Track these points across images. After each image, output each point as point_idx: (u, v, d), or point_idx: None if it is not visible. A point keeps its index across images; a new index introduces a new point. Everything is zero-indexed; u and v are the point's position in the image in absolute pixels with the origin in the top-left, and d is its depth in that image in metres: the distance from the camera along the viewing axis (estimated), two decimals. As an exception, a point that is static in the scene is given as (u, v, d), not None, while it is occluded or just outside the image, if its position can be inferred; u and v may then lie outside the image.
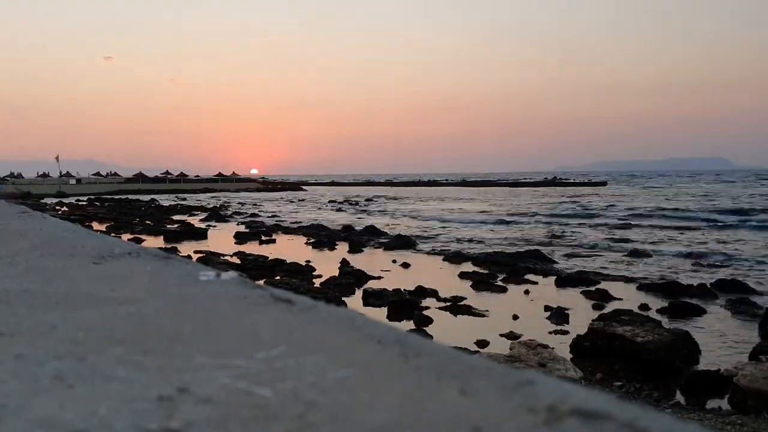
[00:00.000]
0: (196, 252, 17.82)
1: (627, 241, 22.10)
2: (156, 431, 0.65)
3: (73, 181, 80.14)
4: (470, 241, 22.49)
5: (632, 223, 29.83)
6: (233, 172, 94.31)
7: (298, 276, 14.12)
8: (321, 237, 22.47)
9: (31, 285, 1.57)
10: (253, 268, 15.07)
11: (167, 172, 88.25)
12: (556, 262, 16.92)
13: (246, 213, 37.75)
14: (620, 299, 12.12)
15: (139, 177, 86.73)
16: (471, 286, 13.54)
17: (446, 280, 14.22)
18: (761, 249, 19.55)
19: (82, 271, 1.84)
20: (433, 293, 12.33)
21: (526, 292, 13.03)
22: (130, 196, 59.79)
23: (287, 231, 26.01)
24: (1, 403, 0.73)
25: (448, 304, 11.69)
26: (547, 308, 11.17)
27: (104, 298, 1.38)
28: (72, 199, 54.13)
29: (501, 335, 9.41)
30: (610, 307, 11.16)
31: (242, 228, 26.54)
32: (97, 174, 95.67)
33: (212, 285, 1.49)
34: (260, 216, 35.14)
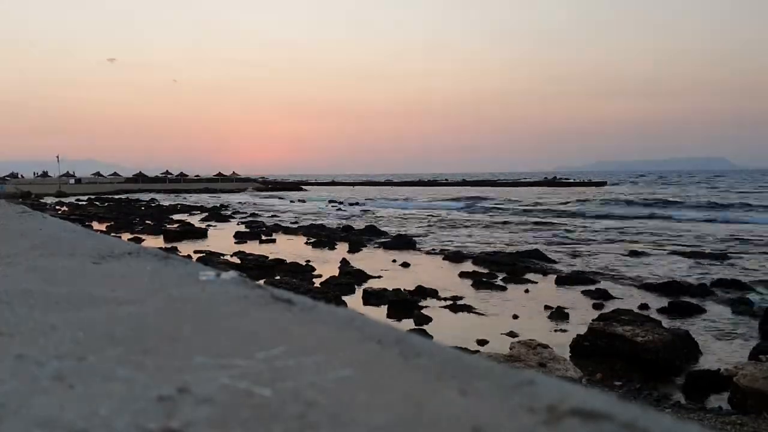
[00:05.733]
0: (196, 252, 17.81)
1: (627, 241, 22.10)
2: (156, 431, 0.65)
3: (73, 181, 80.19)
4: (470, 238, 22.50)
5: (632, 222, 29.84)
6: (233, 172, 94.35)
7: (298, 276, 14.12)
8: (321, 237, 22.46)
9: (31, 285, 1.57)
10: (253, 268, 15.07)
11: (167, 172, 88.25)
12: (556, 262, 16.93)
13: (246, 213, 37.74)
14: (620, 299, 12.13)
15: (139, 177, 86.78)
16: (471, 285, 13.55)
17: (446, 279, 14.22)
18: (762, 247, 19.54)
19: (82, 271, 1.84)
20: (433, 293, 12.34)
21: (526, 291, 13.04)
22: (130, 196, 59.80)
23: (287, 231, 26.00)
24: (1, 403, 0.73)
25: (448, 303, 11.69)
26: (547, 308, 11.17)
27: (104, 298, 1.38)
28: (72, 199, 54.12)
29: (501, 334, 9.42)
30: (610, 307, 11.16)
31: (242, 228, 26.54)
32: (97, 174, 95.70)
33: (212, 285, 1.49)
34: (260, 216, 35.13)
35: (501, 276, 14.41)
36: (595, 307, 11.42)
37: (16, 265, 1.95)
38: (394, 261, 17.10)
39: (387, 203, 49.87)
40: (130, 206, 43.84)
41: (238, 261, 16.24)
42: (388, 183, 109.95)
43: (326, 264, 16.12)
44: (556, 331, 9.81)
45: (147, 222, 29.61)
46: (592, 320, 9.58)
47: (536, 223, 29.94)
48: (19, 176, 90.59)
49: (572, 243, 21.66)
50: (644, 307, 11.28)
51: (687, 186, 79.89)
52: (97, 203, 48.45)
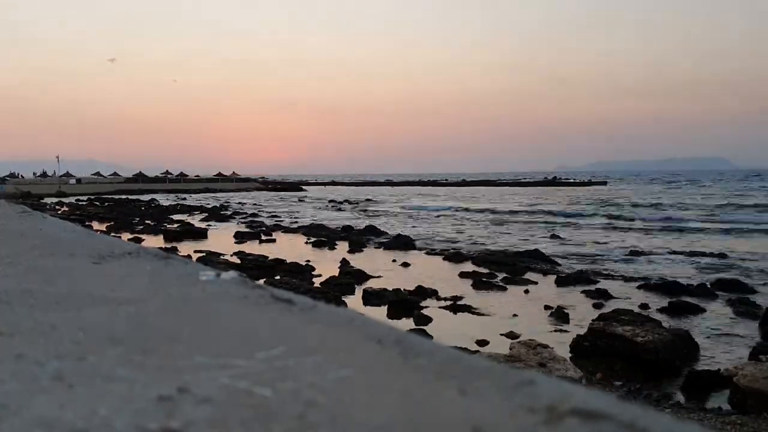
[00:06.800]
0: (196, 252, 17.81)
1: (627, 240, 22.11)
2: (156, 431, 0.65)
3: (73, 181, 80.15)
4: (469, 240, 22.50)
5: (632, 222, 29.85)
6: (233, 172, 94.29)
7: (298, 276, 14.12)
8: (321, 237, 22.47)
9: (31, 285, 1.57)
10: (253, 267, 15.07)
11: (167, 172, 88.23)
12: (556, 262, 16.92)
13: (246, 213, 37.74)
14: (620, 299, 12.13)
15: (139, 177, 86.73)
16: (471, 285, 13.55)
17: (446, 279, 14.22)
18: (761, 249, 19.54)
19: (82, 271, 1.84)
20: (433, 293, 12.34)
21: (526, 291, 13.03)
22: (130, 196, 59.78)
23: (287, 231, 26.01)
24: (1, 403, 0.73)
25: (448, 303, 11.69)
26: (547, 308, 11.17)
27: (104, 298, 1.38)
28: (72, 199, 54.12)
29: (501, 335, 9.42)
30: (610, 307, 11.16)
31: (242, 228, 26.55)
32: (97, 174, 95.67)
33: (212, 285, 1.49)
34: (260, 216, 35.13)
35: (501, 276, 14.41)
36: (595, 307, 11.42)
37: (16, 265, 1.95)
38: (394, 261, 17.10)
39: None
40: (130, 206, 43.83)
41: (238, 261, 16.25)
42: (388, 183, 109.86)
43: (326, 264, 16.12)
44: (556, 331, 9.80)
45: (147, 222, 29.63)
46: (592, 320, 9.57)
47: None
48: (19, 176, 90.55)
49: (572, 243, 21.68)
50: (644, 307, 11.28)
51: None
52: (97, 203, 48.45)
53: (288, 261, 16.07)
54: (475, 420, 0.65)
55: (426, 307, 11.36)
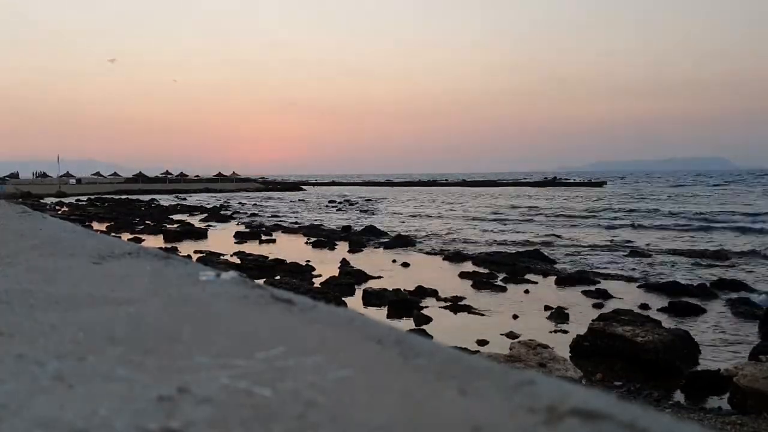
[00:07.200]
0: (196, 252, 17.80)
1: (627, 240, 22.10)
2: (156, 431, 0.65)
3: (73, 181, 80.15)
4: (466, 241, 22.51)
5: (632, 222, 29.84)
6: (233, 172, 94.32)
7: (298, 276, 14.11)
8: (321, 237, 22.47)
9: (31, 285, 1.57)
10: (253, 268, 15.06)
11: (167, 172, 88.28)
12: (556, 262, 16.92)
13: (246, 213, 37.75)
14: (620, 299, 12.12)
15: (139, 177, 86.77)
16: (471, 285, 13.54)
17: (446, 279, 14.22)
18: (761, 248, 19.53)
19: (82, 271, 1.84)
20: (433, 293, 12.33)
21: (526, 291, 13.03)
22: (130, 196, 59.75)
23: (287, 231, 26.00)
24: (1, 403, 0.73)
25: (448, 303, 11.68)
26: (547, 308, 11.16)
27: (104, 298, 1.38)
28: (72, 199, 54.09)
29: (501, 335, 9.41)
30: (610, 307, 11.15)
31: (242, 228, 26.54)
32: (97, 174, 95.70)
33: (212, 285, 1.49)
34: (260, 216, 35.13)
35: (501, 276, 14.41)
36: (595, 307, 11.42)
37: (16, 265, 1.95)
38: (394, 261, 17.10)
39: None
40: (130, 206, 43.81)
41: (238, 261, 16.23)
42: (388, 183, 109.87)
43: (326, 264, 16.11)
44: (556, 331, 9.80)
45: (147, 222, 29.60)
46: (592, 320, 9.56)
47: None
48: (20, 176, 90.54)
49: (572, 243, 21.68)
50: (644, 307, 11.27)
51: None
52: (97, 203, 48.40)
53: (288, 261, 16.06)
54: (475, 420, 0.65)
55: (426, 307, 11.36)
